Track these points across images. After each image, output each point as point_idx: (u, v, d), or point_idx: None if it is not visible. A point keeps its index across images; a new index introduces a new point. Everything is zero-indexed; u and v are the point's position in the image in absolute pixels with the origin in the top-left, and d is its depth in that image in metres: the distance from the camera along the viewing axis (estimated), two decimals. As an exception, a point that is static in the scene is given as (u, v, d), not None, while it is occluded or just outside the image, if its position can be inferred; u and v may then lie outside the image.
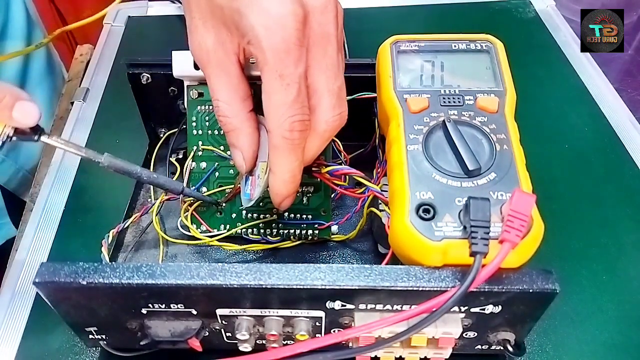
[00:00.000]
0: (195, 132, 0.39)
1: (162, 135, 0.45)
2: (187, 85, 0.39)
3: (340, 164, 0.39)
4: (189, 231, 0.38)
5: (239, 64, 0.30)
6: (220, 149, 0.39)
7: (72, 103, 0.52)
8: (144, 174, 0.35)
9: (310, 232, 0.39)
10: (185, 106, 0.39)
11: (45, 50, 0.63)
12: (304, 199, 0.39)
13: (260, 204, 0.39)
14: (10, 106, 0.29)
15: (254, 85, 0.32)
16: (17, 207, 0.48)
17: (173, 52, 0.37)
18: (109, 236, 0.36)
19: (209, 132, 0.39)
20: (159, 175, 0.36)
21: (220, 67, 0.30)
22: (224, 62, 0.30)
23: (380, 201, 0.34)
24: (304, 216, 0.39)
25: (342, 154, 0.40)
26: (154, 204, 0.38)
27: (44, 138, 0.31)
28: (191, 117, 0.39)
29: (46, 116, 0.60)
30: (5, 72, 0.58)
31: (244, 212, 0.39)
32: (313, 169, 0.36)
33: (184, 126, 0.40)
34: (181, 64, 0.37)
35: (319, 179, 0.37)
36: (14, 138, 0.30)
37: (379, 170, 0.36)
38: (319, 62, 0.29)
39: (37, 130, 0.31)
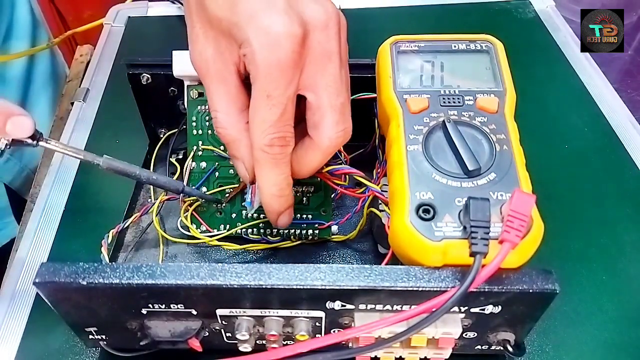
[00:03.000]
0: (195, 132, 0.39)
1: (162, 136, 0.45)
2: (187, 85, 0.39)
3: (340, 163, 0.39)
4: (189, 231, 0.38)
5: (238, 75, 0.30)
6: (220, 149, 0.39)
7: (72, 103, 0.52)
8: (143, 174, 0.35)
9: (310, 231, 0.39)
10: (185, 106, 0.39)
11: (49, 51, 0.63)
12: (304, 198, 0.39)
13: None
14: (3, 123, 0.30)
15: None
16: (22, 207, 0.49)
17: (173, 51, 0.37)
18: (108, 236, 0.36)
19: (209, 132, 0.39)
20: (159, 175, 0.36)
21: (218, 77, 0.30)
22: (222, 73, 0.30)
23: (380, 201, 0.34)
24: (304, 216, 0.39)
25: (342, 153, 0.40)
26: (154, 204, 0.38)
27: (42, 143, 0.32)
28: (191, 117, 0.39)
29: (50, 116, 0.60)
30: (11, 72, 0.58)
31: (243, 212, 0.39)
32: None
33: (184, 126, 0.40)
34: (181, 64, 0.37)
35: (319, 179, 0.37)
36: (11, 147, 0.31)
37: (379, 170, 0.36)
38: (319, 80, 0.29)
39: (34, 137, 0.31)
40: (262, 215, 0.39)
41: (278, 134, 0.28)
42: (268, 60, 0.27)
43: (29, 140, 0.31)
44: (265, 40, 0.27)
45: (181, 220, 0.39)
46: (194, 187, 0.39)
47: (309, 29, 0.28)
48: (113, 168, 0.33)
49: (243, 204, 0.37)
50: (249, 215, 0.36)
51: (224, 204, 0.39)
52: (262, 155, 0.29)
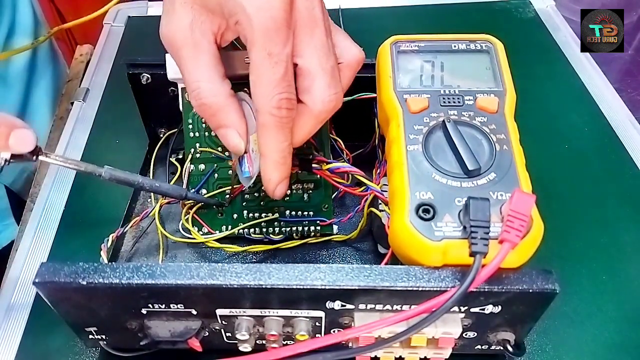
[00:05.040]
0: (192, 134, 0.39)
1: (162, 136, 0.45)
2: (182, 88, 0.39)
3: (342, 162, 0.39)
4: (190, 234, 0.38)
5: (217, 45, 0.30)
6: (218, 150, 0.39)
7: (72, 103, 0.52)
8: (146, 183, 0.35)
9: (312, 228, 0.39)
10: (181, 109, 0.39)
11: (50, 52, 0.63)
12: (305, 195, 0.39)
13: (262, 203, 0.39)
14: (6, 135, 0.30)
15: None
16: (22, 208, 0.49)
17: (167, 55, 0.37)
18: (108, 240, 0.36)
19: (206, 133, 0.39)
20: (162, 183, 0.36)
21: (197, 47, 0.30)
22: (201, 42, 0.30)
23: (380, 201, 0.34)
24: (306, 213, 0.39)
25: (345, 152, 0.40)
26: (154, 208, 0.38)
27: (41, 157, 0.32)
28: (187, 120, 0.39)
29: (51, 117, 0.59)
30: (12, 72, 0.57)
31: (245, 211, 0.39)
32: (314, 165, 0.36)
33: (183, 126, 0.40)
34: (176, 67, 0.37)
35: (319, 176, 0.37)
36: (12, 161, 0.31)
37: (379, 170, 0.36)
38: (308, 44, 0.29)
39: (34, 151, 0.31)
40: (263, 215, 0.39)
41: (285, 94, 0.29)
42: (264, 20, 0.28)
43: (29, 155, 0.31)
44: (259, 1, 0.28)
45: (182, 223, 0.39)
46: (194, 190, 0.39)
47: None
48: (115, 178, 0.34)
49: (242, 173, 0.35)
50: (248, 186, 0.35)
51: (226, 206, 0.39)
52: (269, 120, 0.29)
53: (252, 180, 0.33)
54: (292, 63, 0.29)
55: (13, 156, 0.31)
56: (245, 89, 0.35)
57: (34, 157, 0.31)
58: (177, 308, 0.28)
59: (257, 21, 0.28)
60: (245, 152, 0.33)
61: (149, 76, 0.41)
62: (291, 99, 0.29)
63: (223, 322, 0.29)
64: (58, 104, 0.59)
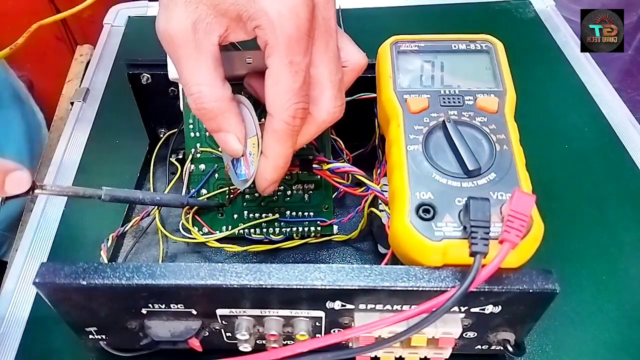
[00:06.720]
0: (192, 134, 0.39)
1: (162, 135, 0.45)
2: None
3: (342, 162, 0.39)
4: (190, 234, 0.38)
5: (219, 47, 0.30)
6: (218, 150, 0.39)
7: (72, 103, 0.52)
8: (146, 197, 0.35)
9: (312, 229, 0.39)
10: (182, 109, 0.39)
11: (19, 109, 0.59)
12: (306, 196, 0.39)
13: (262, 203, 0.39)
14: (1, 182, 0.29)
15: None
16: None
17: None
18: (108, 240, 0.36)
19: (207, 133, 0.39)
20: (161, 195, 0.37)
21: (200, 48, 0.29)
22: (204, 43, 0.29)
23: (380, 201, 0.34)
24: (306, 213, 0.39)
25: (345, 152, 0.40)
26: (154, 207, 0.38)
27: (37, 191, 0.31)
28: (188, 120, 0.39)
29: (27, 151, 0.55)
30: None
31: (245, 211, 0.39)
32: (314, 165, 0.36)
33: (184, 126, 0.40)
34: None
35: (319, 177, 0.37)
36: (5, 202, 0.30)
37: (379, 170, 0.36)
38: (322, 55, 0.29)
39: (29, 188, 0.30)
40: (263, 215, 0.39)
41: (301, 104, 0.29)
42: (288, 27, 0.27)
43: (24, 193, 0.30)
44: (282, 8, 0.27)
45: (182, 223, 0.39)
46: (194, 190, 0.39)
47: (315, 3, 0.28)
48: (115, 198, 0.34)
49: (236, 175, 0.34)
50: (243, 188, 0.34)
51: (227, 206, 0.39)
52: (282, 127, 0.29)
53: (249, 184, 0.33)
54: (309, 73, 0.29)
55: (8, 197, 0.30)
56: (243, 92, 0.36)
57: (30, 192, 0.31)
58: (177, 308, 0.28)
59: (281, 28, 0.27)
60: (242, 155, 0.33)
61: (149, 76, 0.41)
62: (306, 108, 0.29)
63: (223, 322, 0.29)
64: (37, 169, 0.53)
